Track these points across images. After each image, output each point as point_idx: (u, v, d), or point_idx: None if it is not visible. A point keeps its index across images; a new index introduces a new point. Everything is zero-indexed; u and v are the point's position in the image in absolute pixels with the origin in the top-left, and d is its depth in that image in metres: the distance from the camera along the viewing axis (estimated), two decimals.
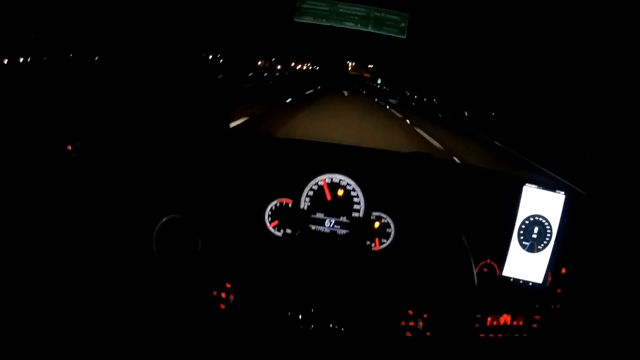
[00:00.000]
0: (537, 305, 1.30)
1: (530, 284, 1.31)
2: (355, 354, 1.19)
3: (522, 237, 1.31)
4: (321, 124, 9.25)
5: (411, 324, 1.21)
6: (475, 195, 1.39)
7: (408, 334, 1.21)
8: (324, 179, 1.40)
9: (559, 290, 1.32)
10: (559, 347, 1.31)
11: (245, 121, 7.36)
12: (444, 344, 1.23)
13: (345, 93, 23.76)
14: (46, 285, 1.22)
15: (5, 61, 12.99)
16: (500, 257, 1.32)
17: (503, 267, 1.32)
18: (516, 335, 1.28)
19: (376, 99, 22.34)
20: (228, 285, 1.24)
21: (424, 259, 1.31)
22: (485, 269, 1.32)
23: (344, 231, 1.39)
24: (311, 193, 1.40)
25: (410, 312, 1.21)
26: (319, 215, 1.40)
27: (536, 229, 1.30)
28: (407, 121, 12.26)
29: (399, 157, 1.57)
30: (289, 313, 1.18)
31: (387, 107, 17.91)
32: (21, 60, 13.82)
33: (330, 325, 1.18)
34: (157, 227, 1.31)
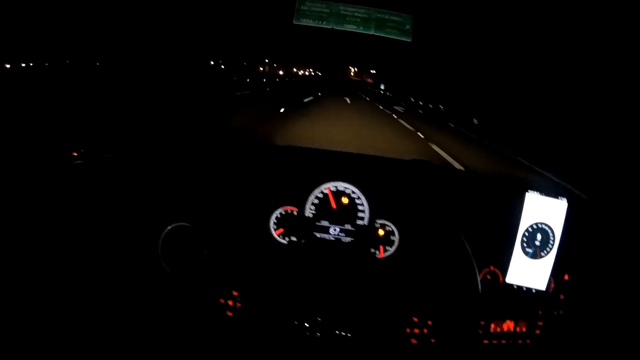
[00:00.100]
0: (540, 312, 1.31)
1: (534, 290, 1.32)
2: None
3: (525, 244, 1.31)
4: (320, 137, 8.16)
5: (416, 330, 1.22)
6: (478, 203, 1.39)
7: (413, 340, 1.22)
8: (328, 187, 1.41)
9: (561, 297, 1.33)
10: (562, 353, 1.31)
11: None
12: (449, 350, 1.24)
13: (348, 100, 22.43)
14: (46, 285, 1.22)
15: (8, 65, 13.01)
16: (504, 264, 1.32)
17: (506, 274, 1.32)
18: (519, 341, 1.29)
19: (381, 107, 21.00)
20: (235, 293, 1.25)
21: (428, 267, 1.32)
22: (488, 276, 1.33)
23: (348, 239, 1.40)
24: (316, 201, 1.41)
25: (415, 319, 1.22)
26: (324, 223, 1.41)
27: (539, 236, 1.31)
28: (420, 134, 10.77)
29: (402, 165, 1.58)
30: (296, 322, 1.19)
31: (394, 116, 16.37)
32: (23, 65, 13.84)
33: (337, 332, 1.19)
34: (163, 235, 1.32)
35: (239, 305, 1.24)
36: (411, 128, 12.18)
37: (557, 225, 1.30)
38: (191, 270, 1.31)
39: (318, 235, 1.40)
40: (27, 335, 1.14)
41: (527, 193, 1.31)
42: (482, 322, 1.27)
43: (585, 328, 1.30)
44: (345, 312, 1.22)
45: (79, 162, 1.40)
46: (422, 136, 10.44)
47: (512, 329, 1.28)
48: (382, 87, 40.49)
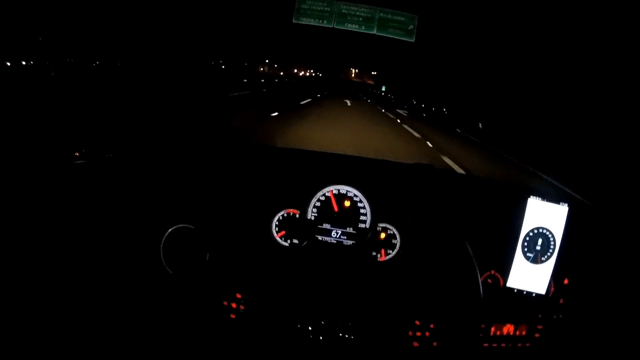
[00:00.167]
0: (540, 315, 1.32)
1: (534, 294, 1.33)
2: None
3: (526, 249, 1.33)
4: (315, 147, 7.69)
5: (418, 334, 1.22)
6: (480, 207, 1.40)
7: (415, 343, 1.23)
8: (331, 190, 1.41)
9: (561, 301, 1.34)
10: (561, 356, 1.32)
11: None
12: (450, 353, 1.24)
13: (348, 102, 21.38)
14: (46, 285, 1.22)
15: (8, 63, 13.04)
16: (505, 268, 1.33)
17: (507, 278, 1.33)
18: (519, 344, 1.30)
19: (383, 110, 20.18)
20: (239, 296, 1.25)
21: (429, 270, 1.33)
22: (489, 280, 1.34)
23: (350, 242, 1.41)
24: (318, 204, 1.41)
25: (418, 322, 1.23)
26: (326, 225, 1.41)
27: (540, 241, 1.32)
28: (429, 144, 9.70)
29: (404, 169, 1.59)
30: (299, 325, 1.19)
31: (398, 120, 15.20)
32: (24, 63, 13.87)
33: (340, 335, 1.19)
34: (164, 236, 1.32)
35: (242, 307, 1.25)
36: (418, 135, 11.15)
37: (557, 231, 1.31)
38: (194, 272, 1.31)
39: (320, 238, 1.41)
40: (27, 335, 1.14)
41: (529, 198, 1.32)
42: (483, 326, 1.28)
43: (584, 332, 1.31)
44: (347, 315, 1.22)
45: (80, 162, 1.40)
46: (431, 145, 9.48)
47: (512, 333, 1.29)
48: (384, 89, 40.29)
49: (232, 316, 1.25)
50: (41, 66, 14.27)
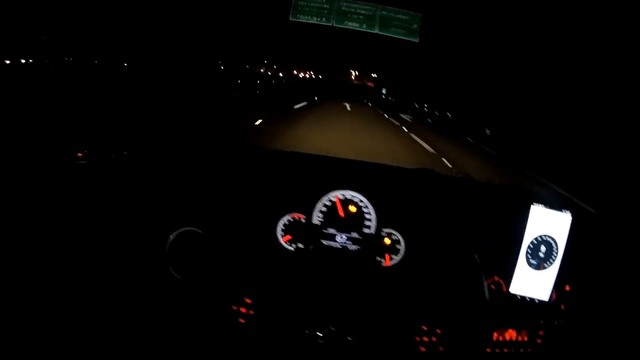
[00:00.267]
0: (542, 321, 1.32)
1: (537, 301, 1.34)
2: None
3: (529, 256, 1.34)
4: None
5: (425, 339, 1.23)
6: (484, 213, 1.41)
7: (422, 348, 1.23)
8: (337, 195, 1.42)
9: (562, 307, 1.35)
10: None
11: None
12: (456, 358, 1.25)
13: (348, 106, 20.27)
14: (46, 285, 1.22)
15: (7, 61, 13.05)
16: (508, 275, 1.34)
17: (510, 284, 1.34)
18: (521, 350, 1.30)
19: (386, 115, 19.06)
20: (248, 301, 1.25)
21: (433, 275, 1.33)
22: (492, 286, 1.35)
23: (354, 247, 1.41)
24: (324, 209, 1.42)
25: (425, 327, 1.23)
26: (331, 230, 1.42)
27: (543, 248, 1.33)
28: (446, 162, 8.14)
29: (408, 174, 1.60)
30: (307, 330, 1.20)
31: (405, 129, 13.82)
32: (23, 61, 13.89)
33: (348, 339, 1.19)
34: (169, 240, 1.32)
35: (251, 312, 1.25)
36: (431, 150, 9.65)
37: (561, 238, 1.32)
38: (202, 276, 1.31)
39: (325, 242, 1.41)
40: (27, 335, 1.14)
41: (532, 206, 1.33)
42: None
43: (584, 337, 1.32)
44: (353, 320, 1.22)
45: (83, 162, 1.40)
46: (449, 164, 7.98)
47: (514, 338, 1.30)
48: (384, 91, 40.17)
49: (242, 321, 1.25)
50: (43, 65, 14.29)
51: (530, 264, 1.33)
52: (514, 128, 13.84)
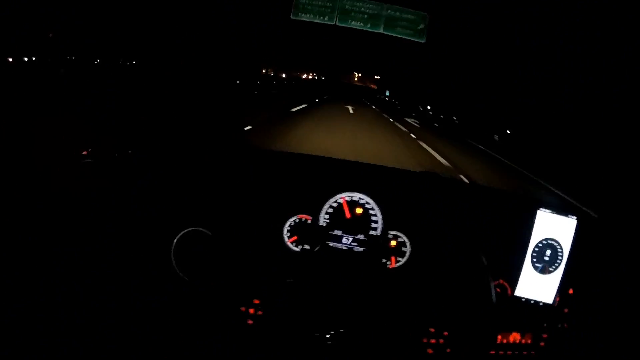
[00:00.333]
0: (545, 324, 1.33)
1: (541, 304, 1.35)
2: None
3: (534, 259, 1.35)
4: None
5: (432, 341, 1.23)
6: (490, 217, 1.42)
7: (429, 350, 1.23)
8: (343, 197, 1.42)
9: (566, 310, 1.36)
10: None
11: None
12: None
13: (351, 109, 19.48)
14: (46, 285, 1.21)
15: (10, 59, 13.06)
16: (513, 278, 1.35)
17: (515, 288, 1.35)
18: (524, 352, 1.31)
19: (391, 119, 18.14)
20: (257, 302, 1.25)
21: (438, 278, 1.34)
22: (497, 289, 1.35)
23: (360, 249, 1.42)
24: (330, 210, 1.42)
25: (432, 329, 1.24)
26: (337, 232, 1.42)
27: (548, 252, 1.35)
28: (463, 178, 7.42)
29: (414, 177, 1.61)
30: (316, 333, 1.19)
31: (412, 135, 13.10)
32: (25, 59, 13.88)
33: (354, 341, 1.19)
34: (175, 241, 1.32)
35: (260, 313, 1.25)
36: (444, 161, 8.86)
37: (566, 242, 1.34)
38: (210, 277, 1.31)
39: (331, 244, 1.42)
40: (27, 335, 1.13)
41: (538, 210, 1.35)
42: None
43: (587, 341, 1.33)
44: (360, 321, 1.22)
45: (88, 160, 1.40)
46: (466, 179, 7.38)
47: (518, 341, 1.31)
48: (387, 93, 39.95)
49: (250, 322, 1.25)
50: (47, 63, 14.28)
51: (535, 268, 1.35)
52: (522, 131, 13.80)
